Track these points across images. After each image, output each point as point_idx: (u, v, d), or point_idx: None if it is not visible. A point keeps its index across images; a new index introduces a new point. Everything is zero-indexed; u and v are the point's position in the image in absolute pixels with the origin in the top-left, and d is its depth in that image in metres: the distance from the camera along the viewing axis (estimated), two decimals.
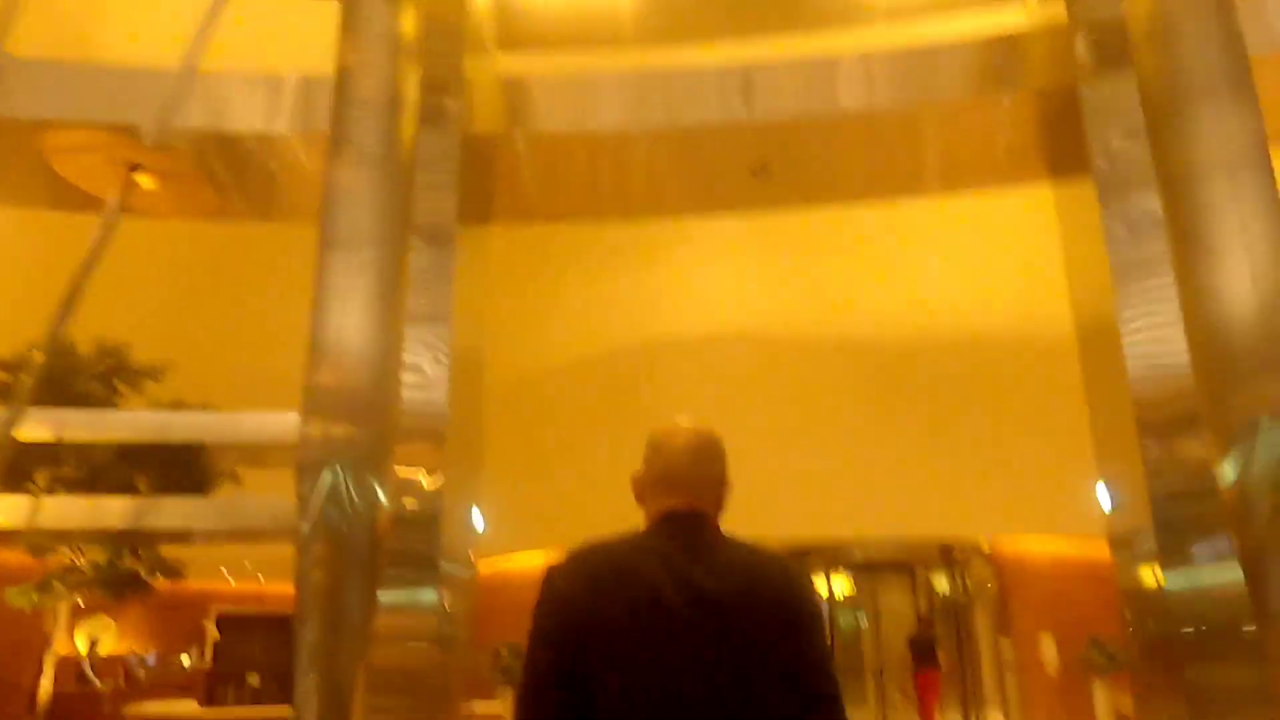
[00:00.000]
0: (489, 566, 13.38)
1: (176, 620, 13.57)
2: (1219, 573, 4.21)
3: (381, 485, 4.56)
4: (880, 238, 12.64)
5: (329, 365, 4.42)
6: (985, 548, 12.45)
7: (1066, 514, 12.12)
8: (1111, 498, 5.51)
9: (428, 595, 5.09)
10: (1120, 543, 5.46)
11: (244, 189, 6.49)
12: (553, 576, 1.58)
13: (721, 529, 1.68)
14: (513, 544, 13.13)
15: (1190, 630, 4.30)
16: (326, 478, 4.21)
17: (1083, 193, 5.57)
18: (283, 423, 4.53)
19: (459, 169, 5.40)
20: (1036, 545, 12.31)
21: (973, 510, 11.67)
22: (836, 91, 5.74)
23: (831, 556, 12.60)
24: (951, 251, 12.59)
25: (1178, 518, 4.47)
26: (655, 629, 1.48)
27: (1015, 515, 11.71)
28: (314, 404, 4.33)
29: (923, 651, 11.67)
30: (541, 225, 14.27)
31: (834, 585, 14.24)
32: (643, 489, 1.71)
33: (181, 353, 8.80)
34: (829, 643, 1.77)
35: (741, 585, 1.55)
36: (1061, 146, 5.82)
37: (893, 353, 12.15)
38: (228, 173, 6.34)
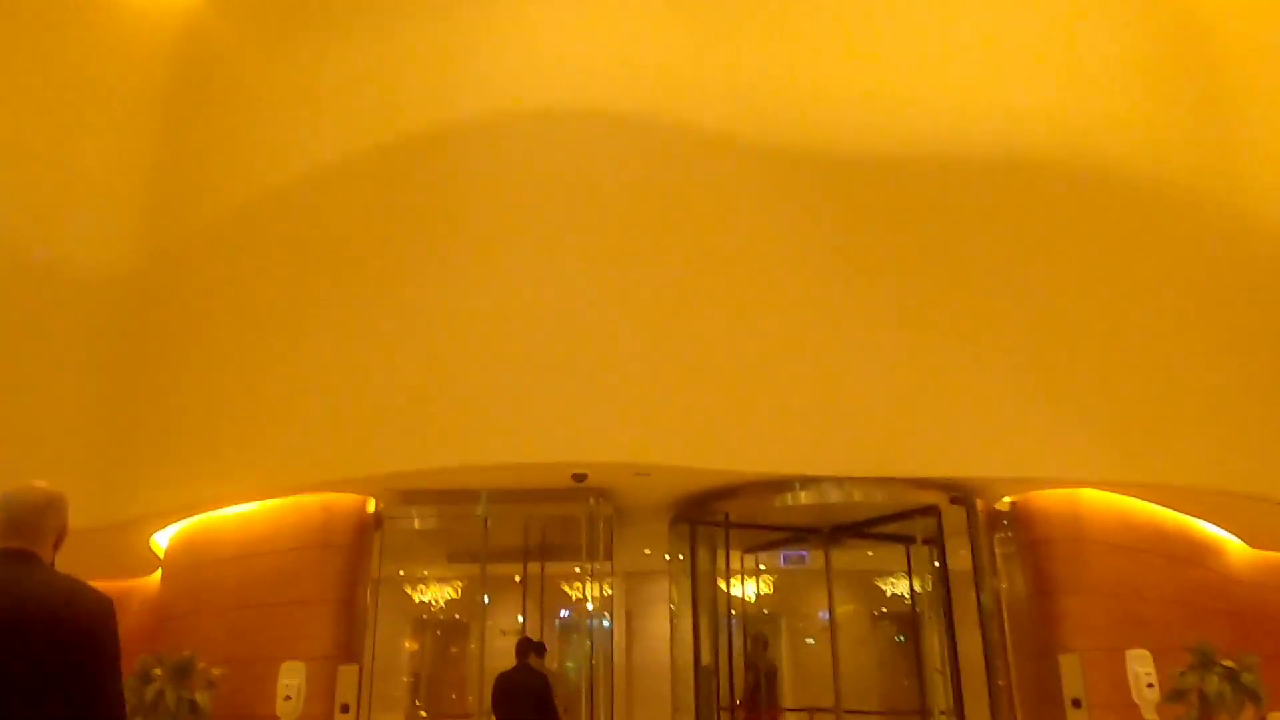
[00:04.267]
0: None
1: None
2: None
3: None
4: None
5: None
6: (1003, 504, 7.62)
7: (1153, 457, 7.37)
8: None
9: None
10: None
11: None
12: None
13: (46, 564, 2.08)
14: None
15: None
16: None
17: None
18: None
19: None
20: (1095, 502, 7.56)
21: (992, 442, 6.84)
22: None
23: (744, 511, 7.51)
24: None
25: None
26: None
27: (1064, 453, 6.94)
28: None
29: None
30: None
31: (744, 579, 9.22)
32: None
33: None
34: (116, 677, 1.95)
35: (37, 611, 1.91)
36: None
37: (873, 175, 7.24)
38: None
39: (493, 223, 6.90)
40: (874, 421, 6.77)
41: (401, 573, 10.21)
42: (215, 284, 8.08)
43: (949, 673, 6.84)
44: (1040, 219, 7.32)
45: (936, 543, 7.24)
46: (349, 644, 7.01)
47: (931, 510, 7.07)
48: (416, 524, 7.35)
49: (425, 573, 10.04)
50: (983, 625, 6.97)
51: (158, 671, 6.63)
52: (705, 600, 8.86)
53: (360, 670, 6.74)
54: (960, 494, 7.13)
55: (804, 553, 9.10)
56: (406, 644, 10.62)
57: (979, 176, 7.37)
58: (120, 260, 8.79)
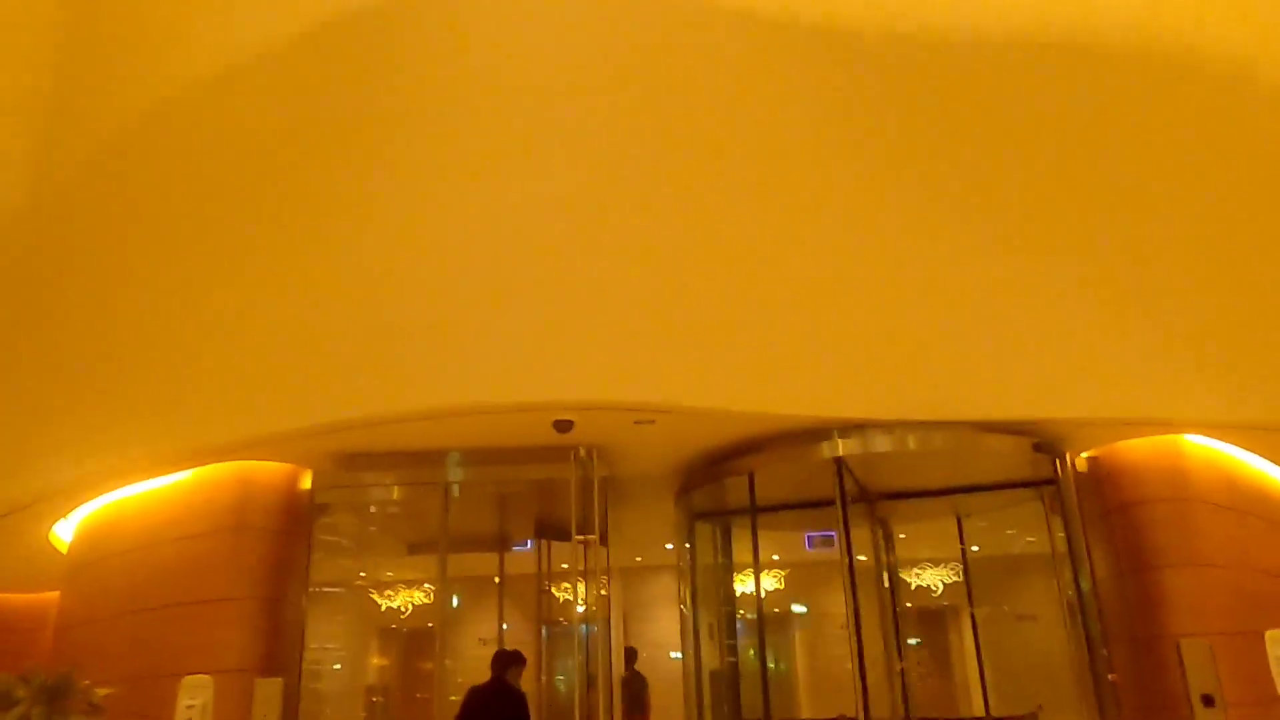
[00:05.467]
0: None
1: None
2: None
3: None
4: None
5: None
6: (1080, 459, 6.23)
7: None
8: None
9: None
10: None
11: None
12: None
13: None
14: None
15: None
16: None
17: None
18: None
19: None
20: (1198, 454, 6.20)
21: (1078, 376, 5.51)
22: None
23: (771, 474, 6.10)
24: None
25: None
26: None
27: (1166, 390, 5.61)
28: None
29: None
30: None
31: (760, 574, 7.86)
32: None
33: None
34: None
35: None
36: None
37: (930, 59, 5.93)
38: None
39: (451, 115, 5.50)
40: (932, 352, 5.40)
41: (362, 573, 8.71)
42: (111, 217, 6.63)
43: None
44: (1130, 113, 5.99)
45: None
46: (273, 653, 5.50)
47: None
48: (363, 497, 5.89)
49: (388, 573, 8.54)
50: (1083, 609, 5.55)
51: (22, 694, 5.14)
52: (716, 593, 7.46)
53: (285, 686, 5.24)
54: (1044, 440, 5.74)
55: (833, 533, 7.69)
56: (372, 658, 9.10)
57: (1056, 64, 6.04)
58: None
